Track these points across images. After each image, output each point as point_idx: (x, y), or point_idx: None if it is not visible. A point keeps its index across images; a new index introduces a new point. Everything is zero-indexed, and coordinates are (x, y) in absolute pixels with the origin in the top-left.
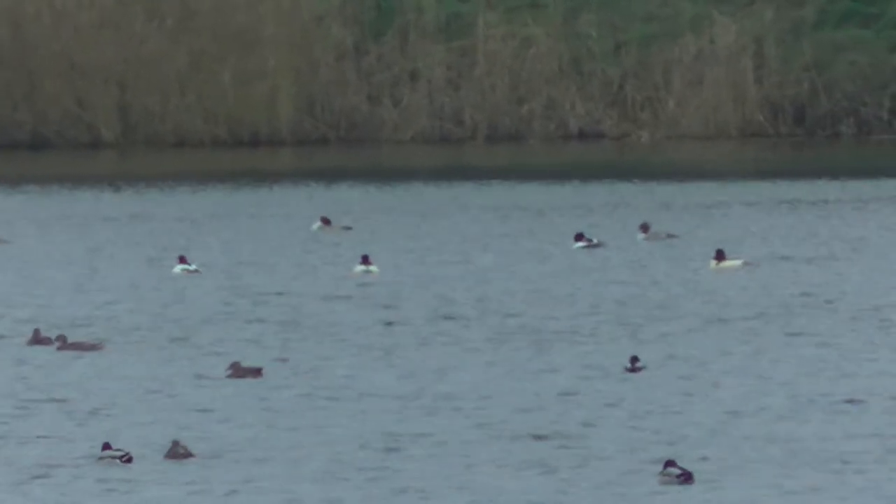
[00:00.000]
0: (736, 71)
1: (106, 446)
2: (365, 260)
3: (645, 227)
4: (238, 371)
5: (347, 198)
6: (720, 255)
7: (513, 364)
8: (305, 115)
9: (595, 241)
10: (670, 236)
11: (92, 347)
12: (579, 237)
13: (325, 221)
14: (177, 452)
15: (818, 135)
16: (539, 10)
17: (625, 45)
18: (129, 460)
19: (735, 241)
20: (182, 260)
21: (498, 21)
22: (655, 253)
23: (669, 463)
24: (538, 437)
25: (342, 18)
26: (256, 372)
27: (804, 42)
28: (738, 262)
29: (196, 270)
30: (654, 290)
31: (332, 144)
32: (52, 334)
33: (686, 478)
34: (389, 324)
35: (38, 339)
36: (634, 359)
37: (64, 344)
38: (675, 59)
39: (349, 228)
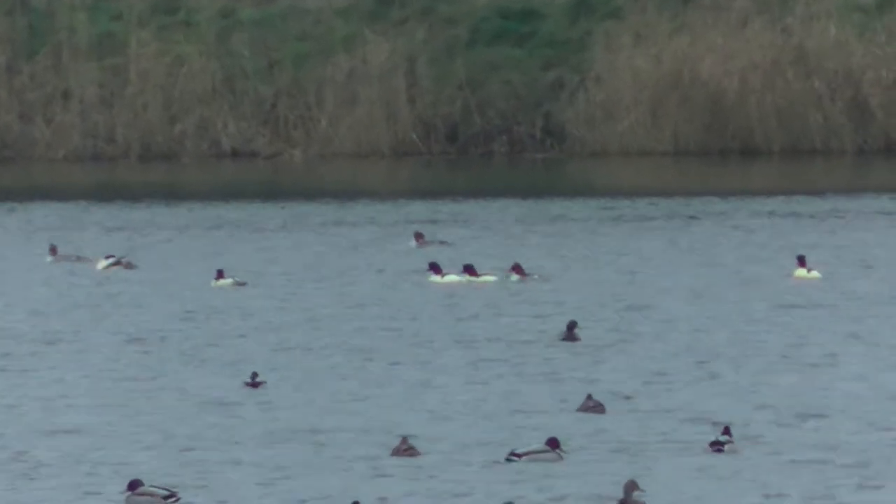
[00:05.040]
0: (389, 89)
1: None
2: None
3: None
4: None
5: None
6: (220, 274)
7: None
8: None
9: (124, 260)
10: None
11: None
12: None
13: None
14: None
15: (471, 153)
16: (191, 29)
17: (277, 64)
18: None
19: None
20: None
21: (150, 39)
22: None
23: None
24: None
25: None
26: None
27: (457, 61)
28: (229, 281)
29: None
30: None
31: None
32: None
33: None
34: None
35: None
36: (255, 374)
37: None
38: (328, 78)
39: None
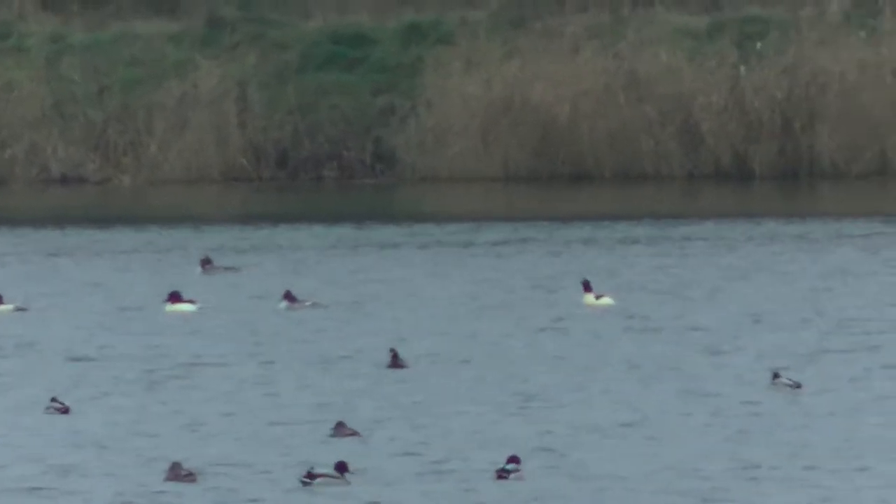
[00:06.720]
0: (219, 115)
1: None
2: None
3: None
4: None
5: None
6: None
7: None
8: None
9: None
10: None
11: None
12: None
13: None
14: None
15: (301, 178)
16: (22, 54)
17: (108, 89)
18: None
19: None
20: None
21: None
22: None
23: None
24: None
25: None
26: None
27: (288, 86)
28: (9, 307)
29: None
30: None
31: None
32: None
33: None
34: None
35: None
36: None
37: None
38: (159, 104)
39: None
